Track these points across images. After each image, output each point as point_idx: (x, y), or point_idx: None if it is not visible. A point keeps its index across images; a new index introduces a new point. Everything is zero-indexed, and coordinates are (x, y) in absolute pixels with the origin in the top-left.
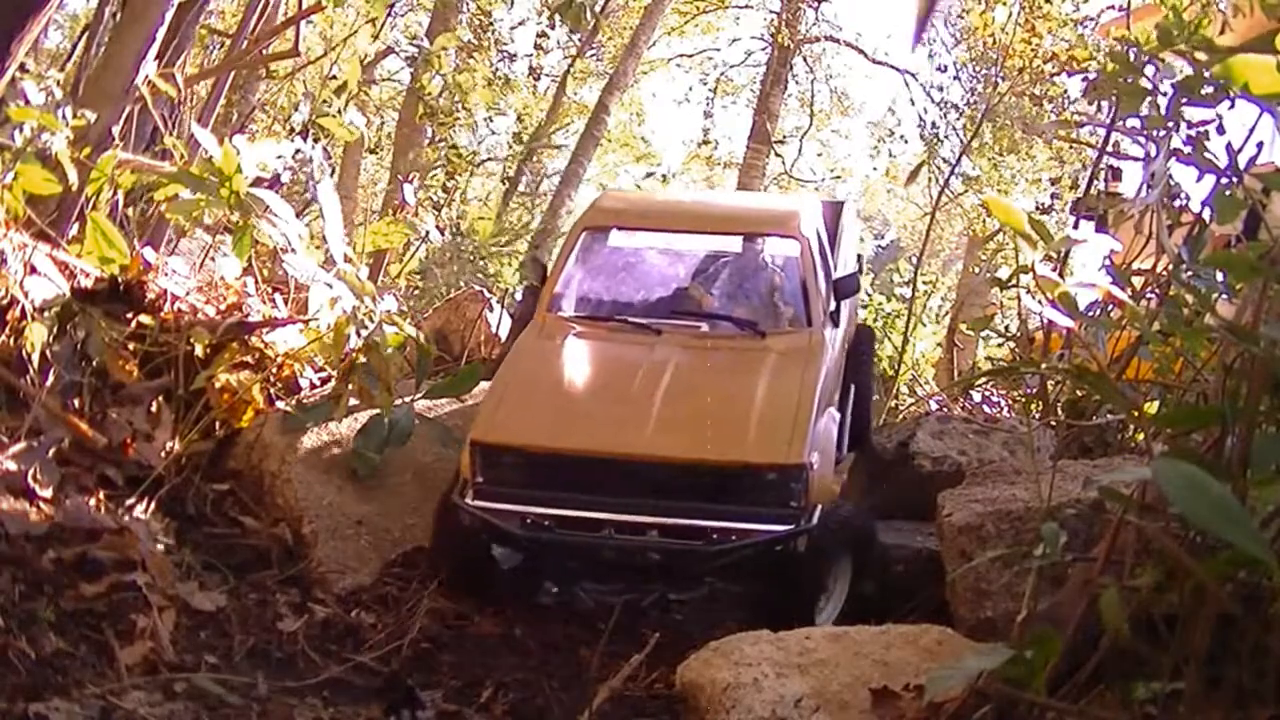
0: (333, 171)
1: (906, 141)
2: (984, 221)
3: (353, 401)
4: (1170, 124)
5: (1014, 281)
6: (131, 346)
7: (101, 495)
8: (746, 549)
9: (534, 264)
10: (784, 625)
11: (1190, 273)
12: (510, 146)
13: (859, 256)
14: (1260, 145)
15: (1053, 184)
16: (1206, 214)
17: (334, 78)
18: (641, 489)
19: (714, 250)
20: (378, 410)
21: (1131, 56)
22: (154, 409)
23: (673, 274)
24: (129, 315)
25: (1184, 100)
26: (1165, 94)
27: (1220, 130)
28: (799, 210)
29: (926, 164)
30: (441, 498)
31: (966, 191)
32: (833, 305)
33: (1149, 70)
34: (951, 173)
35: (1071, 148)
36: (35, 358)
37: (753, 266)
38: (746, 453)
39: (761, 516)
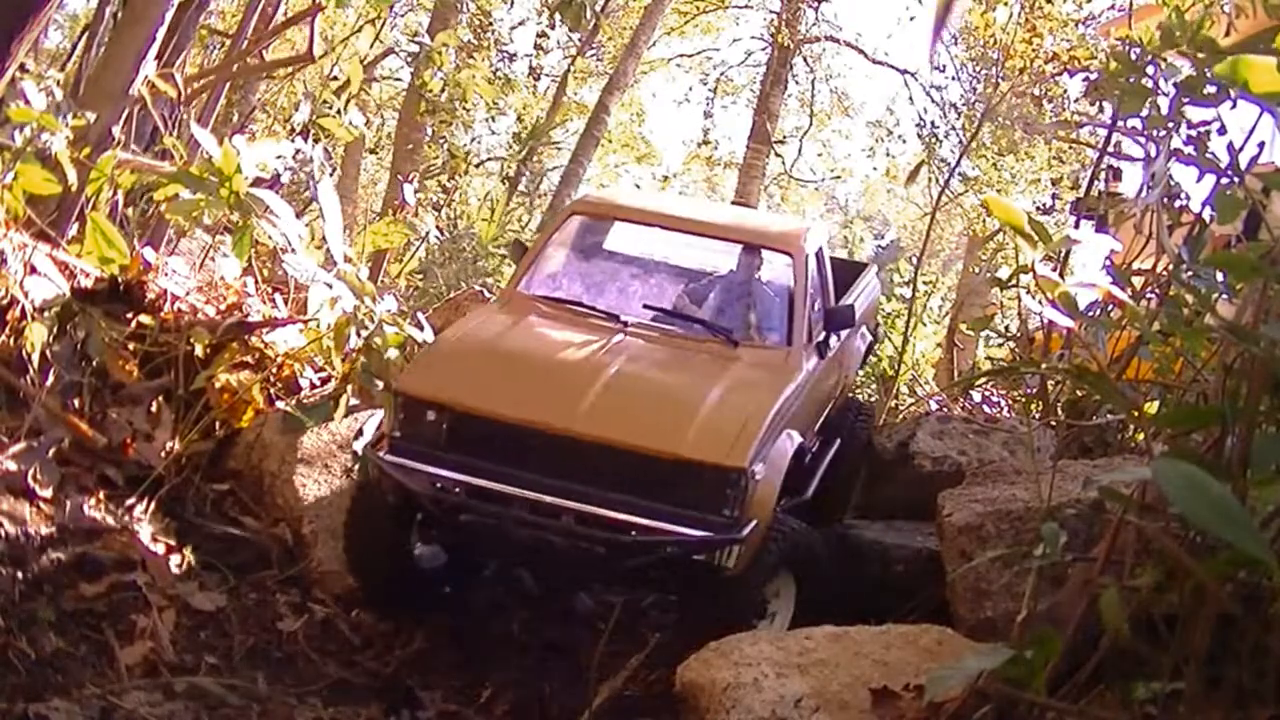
0: (333, 171)
1: (906, 142)
2: (984, 221)
3: (353, 401)
4: (1171, 124)
5: (1014, 281)
6: (131, 346)
7: (101, 495)
8: (663, 552)
9: (517, 246)
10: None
11: (1190, 273)
12: (510, 146)
13: (875, 329)
14: (1261, 145)
15: (1053, 184)
16: (1206, 214)
17: (334, 78)
18: (564, 469)
19: (705, 258)
20: (378, 410)
21: (1134, 56)
22: (154, 409)
23: (656, 275)
24: (129, 315)
25: (1186, 100)
26: (1167, 94)
27: (1221, 130)
28: (800, 229)
29: (926, 164)
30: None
31: (966, 191)
32: (822, 335)
33: (1151, 70)
34: (951, 173)
35: (1072, 148)
36: (35, 358)
37: (741, 279)
38: (683, 446)
39: (689, 520)
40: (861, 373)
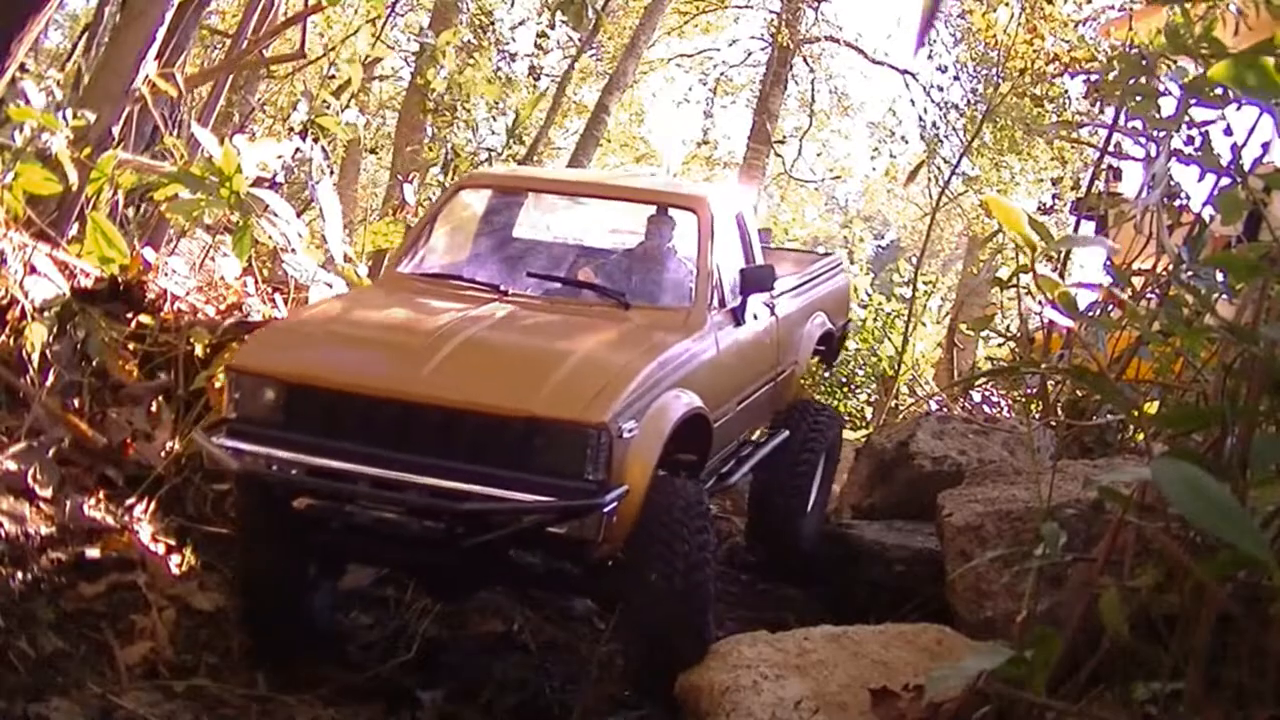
0: (332, 171)
1: (907, 142)
2: (984, 221)
3: None
4: (1173, 124)
5: (1014, 281)
6: (131, 346)
7: (101, 495)
8: (518, 525)
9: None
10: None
11: (1190, 273)
12: (508, 145)
13: (844, 325)
14: (1265, 146)
15: (1053, 184)
16: (1207, 214)
17: (333, 77)
18: (412, 440)
19: (615, 236)
20: None
21: (1141, 58)
22: (154, 409)
23: (557, 250)
24: (129, 315)
25: (1192, 101)
26: (1173, 95)
27: (1227, 131)
28: (709, 190)
29: (926, 164)
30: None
31: (966, 192)
32: (737, 301)
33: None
34: (952, 173)
35: (1073, 148)
36: (35, 358)
37: (648, 246)
38: (535, 403)
39: (546, 487)
40: (837, 370)
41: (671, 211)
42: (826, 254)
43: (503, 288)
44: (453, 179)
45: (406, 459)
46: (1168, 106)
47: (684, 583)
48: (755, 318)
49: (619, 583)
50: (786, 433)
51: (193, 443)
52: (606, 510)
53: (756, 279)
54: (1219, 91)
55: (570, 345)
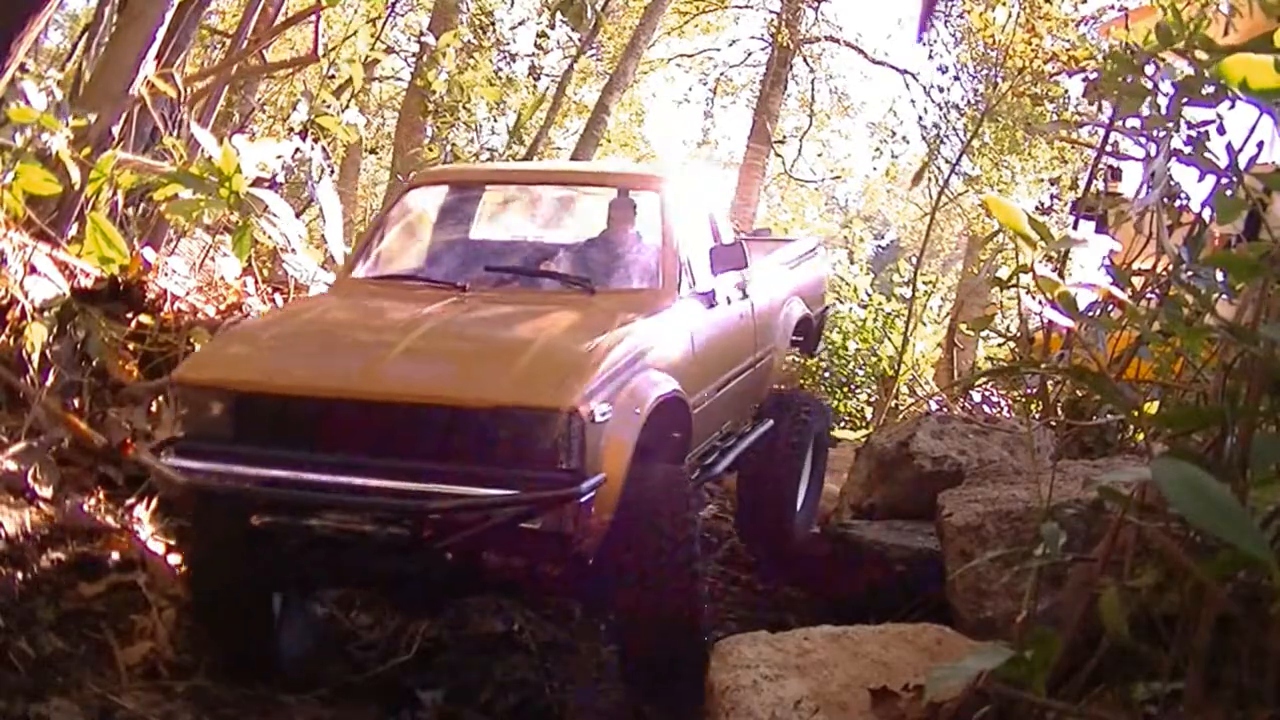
0: (332, 171)
1: (908, 142)
2: (984, 221)
3: None
4: (1170, 124)
5: (1014, 281)
6: (131, 346)
7: (101, 495)
8: (489, 522)
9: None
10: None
11: (1190, 273)
12: (509, 145)
13: (822, 312)
14: (1260, 145)
15: (1053, 184)
16: (1206, 214)
17: (333, 77)
18: (371, 443)
19: (576, 229)
20: None
21: (1131, 56)
22: (154, 409)
23: (517, 247)
24: (129, 315)
25: (1185, 100)
26: (1166, 94)
27: (1221, 130)
28: (668, 170)
29: (927, 165)
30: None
31: (966, 191)
32: (709, 283)
33: (1149, 70)
34: (952, 173)
35: (1072, 147)
36: (35, 358)
37: (610, 234)
38: (500, 392)
39: (517, 480)
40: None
41: (632, 194)
42: (806, 240)
43: (460, 284)
44: None
45: (366, 463)
46: (1164, 106)
47: (671, 575)
48: (729, 301)
49: (602, 581)
50: (771, 422)
51: None
52: (583, 500)
53: (727, 257)
54: (1211, 90)
55: (534, 332)
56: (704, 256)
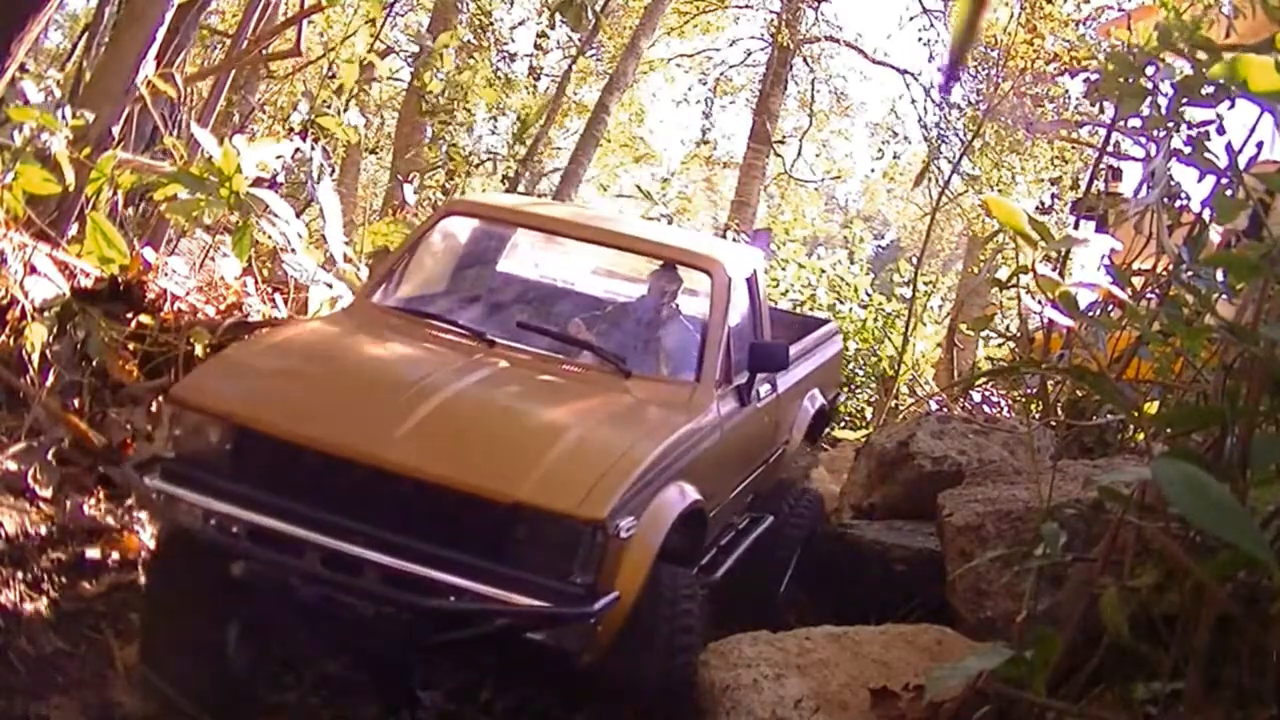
0: (332, 171)
1: (910, 142)
2: (984, 221)
3: None
4: (1170, 124)
5: (1014, 281)
6: (131, 346)
7: (101, 495)
8: (491, 626)
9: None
10: None
11: (1190, 273)
12: (509, 146)
13: (834, 397)
14: (1260, 145)
15: (1053, 184)
16: (1206, 214)
17: (333, 77)
18: (374, 511)
19: (615, 285)
20: None
21: (1131, 57)
22: (154, 409)
23: (551, 297)
24: (129, 315)
25: (1185, 100)
26: (1166, 94)
27: (1221, 130)
28: (724, 250)
29: (928, 166)
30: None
31: (966, 191)
32: (745, 377)
33: (1149, 70)
34: (952, 173)
35: (1073, 147)
36: (35, 358)
37: (651, 304)
38: (522, 487)
39: (525, 584)
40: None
41: (682, 270)
42: (824, 321)
43: (489, 336)
44: (449, 179)
45: (366, 531)
46: (1164, 106)
47: (664, 680)
48: (759, 396)
49: (593, 676)
50: (772, 518)
51: None
52: (594, 618)
53: (768, 358)
54: (1211, 90)
55: (564, 419)
56: (745, 351)
